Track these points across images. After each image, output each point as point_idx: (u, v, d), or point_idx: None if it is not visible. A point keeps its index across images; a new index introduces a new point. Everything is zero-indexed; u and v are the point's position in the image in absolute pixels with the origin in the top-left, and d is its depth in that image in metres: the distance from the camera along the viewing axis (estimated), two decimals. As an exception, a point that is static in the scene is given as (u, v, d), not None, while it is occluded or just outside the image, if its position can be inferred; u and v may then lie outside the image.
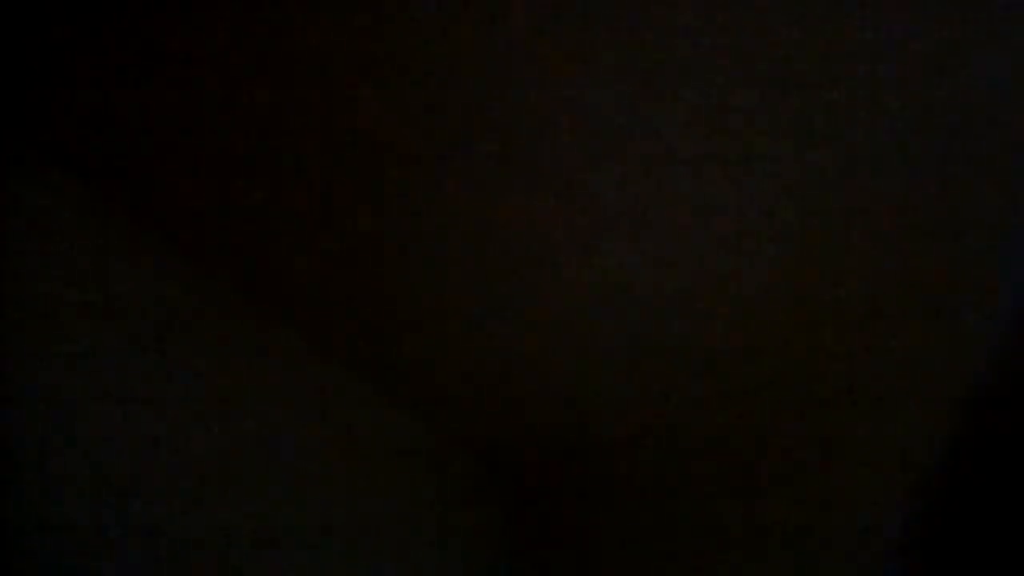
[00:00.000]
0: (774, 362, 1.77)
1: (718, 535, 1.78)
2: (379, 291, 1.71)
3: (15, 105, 1.49)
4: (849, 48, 1.37)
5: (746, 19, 1.35)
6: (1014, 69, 1.39)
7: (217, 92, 1.47)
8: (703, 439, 1.84)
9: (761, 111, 1.45)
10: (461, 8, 1.36)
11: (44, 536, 1.47)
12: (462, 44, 1.40)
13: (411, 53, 1.42)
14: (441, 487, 1.92)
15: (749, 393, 1.81)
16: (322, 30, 1.40)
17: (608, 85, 1.42)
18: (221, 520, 1.63)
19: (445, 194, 1.57)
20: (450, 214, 1.60)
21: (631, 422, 1.89)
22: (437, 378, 1.85)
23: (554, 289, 1.69)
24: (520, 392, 1.87)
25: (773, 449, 1.76)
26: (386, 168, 1.55)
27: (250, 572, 1.66)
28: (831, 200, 1.55)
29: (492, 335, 1.76)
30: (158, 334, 1.63)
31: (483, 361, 1.81)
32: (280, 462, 1.72)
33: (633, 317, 1.72)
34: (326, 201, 1.59)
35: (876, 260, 1.62)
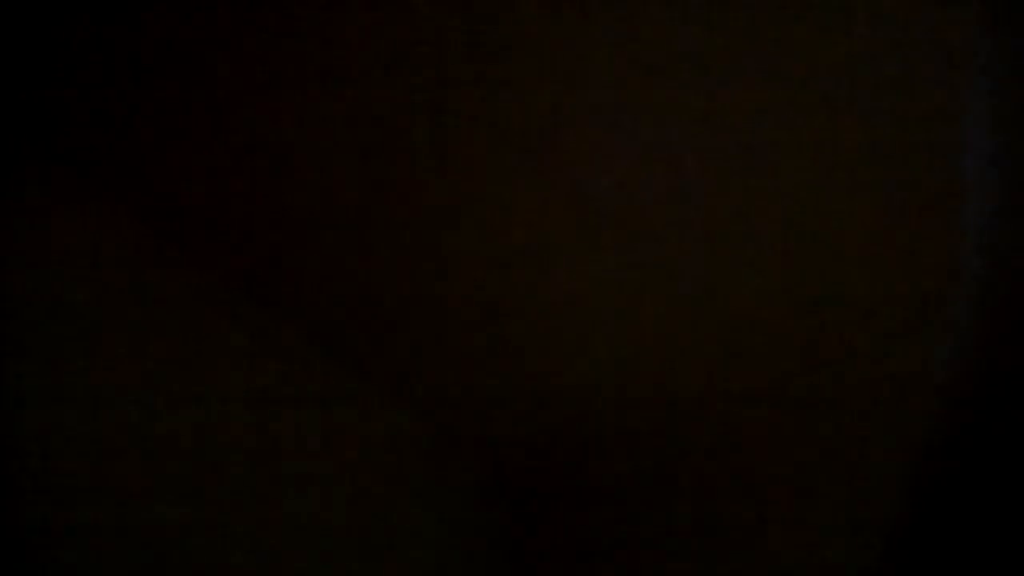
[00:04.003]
0: (774, 362, 1.77)
1: (718, 535, 1.79)
2: (379, 290, 1.72)
3: (15, 105, 1.50)
4: (857, 47, 1.38)
5: (751, 15, 1.36)
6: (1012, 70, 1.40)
7: (217, 91, 1.48)
8: (703, 439, 1.85)
9: (764, 110, 1.46)
10: (459, 4, 1.37)
11: (45, 537, 1.47)
12: (459, 40, 1.41)
13: (409, 50, 1.42)
14: (441, 487, 1.93)
15: (748, 393, 1.81)
16: (322, 27, 1.41)
17: (608, 83, 1.43)
18: (221, 520, 1.64)
19: (446, 193, 1.58)
20: (450, 213, 1.61)
21: (630, 422, 1.90)
22: (437, 378, 1.86)
23: (556, 288, 1.70)
24: (520, 392, 1.88)
25: (772, 449, 1.77)
26: (386, 167, 1.56)
27: (250, 572, 1.66)
28: (833, 200, 1.55)
29: (493, 334, 1.77)
30: (158, 334, 1.64)
31: (484, 361, 1.82)
32: (280, 462, 1.73)
33: (634, 316, 1.72)
34: (326, 200, 1.59)
35: (879, 261, 1.62)
